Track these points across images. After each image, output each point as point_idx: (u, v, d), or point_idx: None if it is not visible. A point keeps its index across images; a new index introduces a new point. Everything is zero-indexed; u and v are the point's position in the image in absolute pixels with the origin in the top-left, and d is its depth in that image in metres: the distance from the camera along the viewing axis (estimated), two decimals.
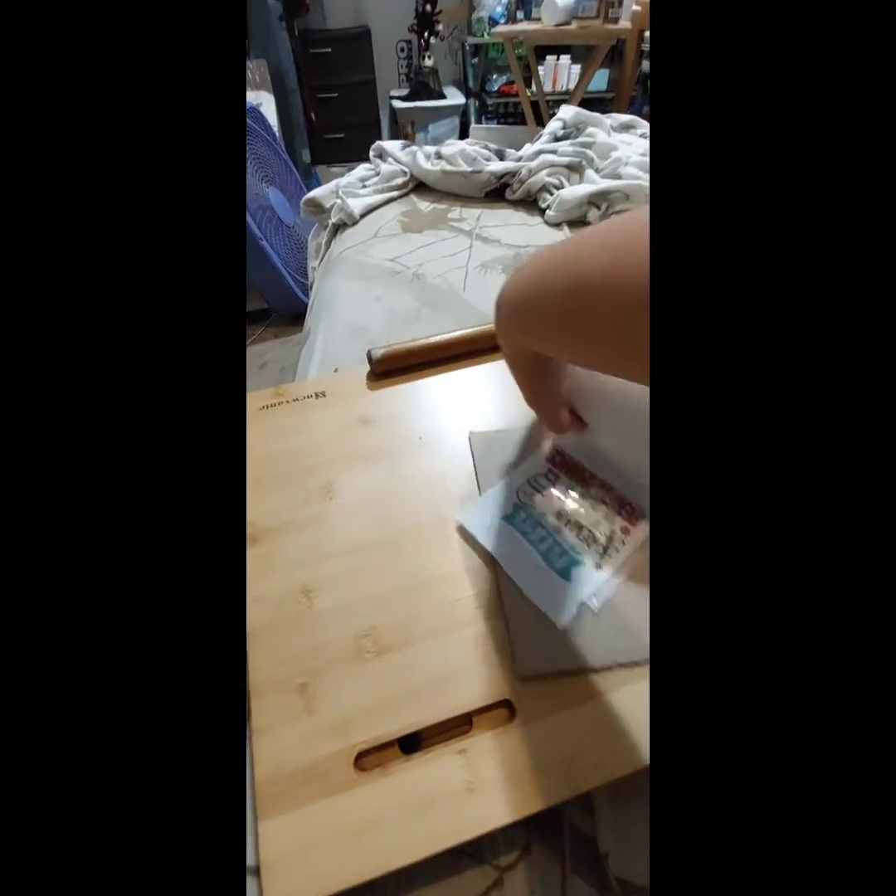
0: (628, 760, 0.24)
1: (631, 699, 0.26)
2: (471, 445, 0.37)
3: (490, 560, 0.31)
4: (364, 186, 0.76)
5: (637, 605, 0.29)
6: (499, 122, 2.62)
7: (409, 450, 0.37)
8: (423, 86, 2.51)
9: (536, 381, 0.31)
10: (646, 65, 2.40)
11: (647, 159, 0.67)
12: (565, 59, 2.43)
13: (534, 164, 0.68)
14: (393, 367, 0.42)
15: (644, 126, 0.82)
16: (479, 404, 0.40)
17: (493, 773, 0.24)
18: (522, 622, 0.28)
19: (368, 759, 0.25)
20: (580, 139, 0.72)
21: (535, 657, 0.27)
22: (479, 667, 0.27)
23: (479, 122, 2.63)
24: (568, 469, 0.34)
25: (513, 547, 0.31)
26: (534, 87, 2.16)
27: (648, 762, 0.24)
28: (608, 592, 0.29)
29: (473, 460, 0.36)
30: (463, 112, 2.60)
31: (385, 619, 0.29)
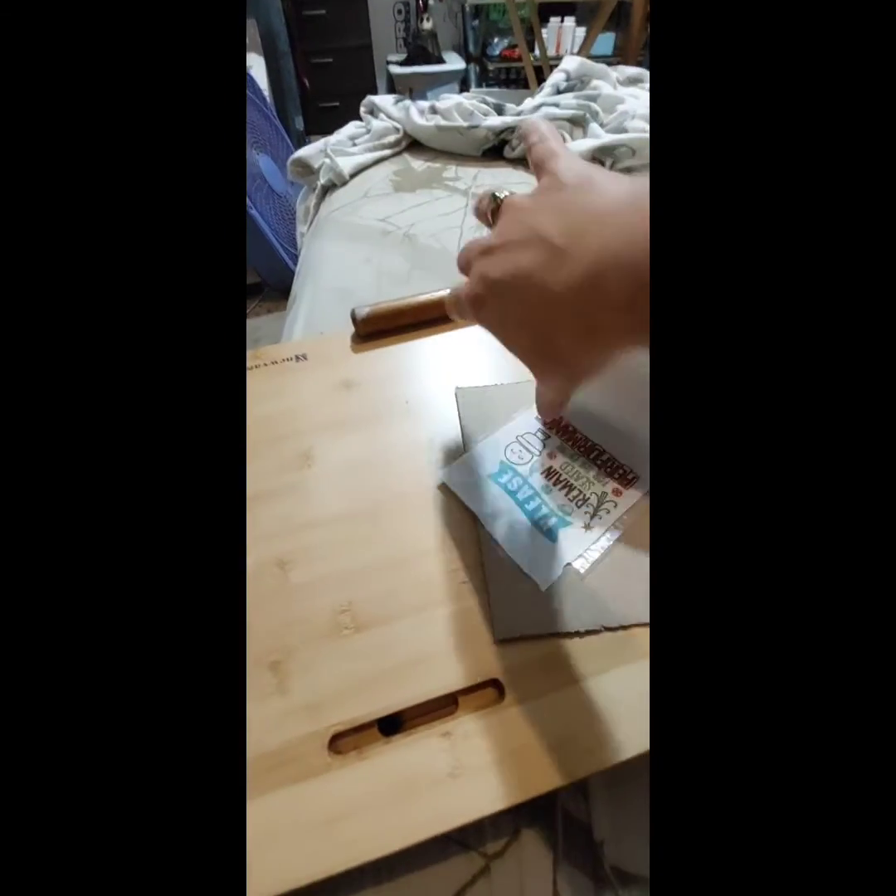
0: (627, 746, 0.22)
1: (630, 679, 0.24)
2: (456, 401, 0.35)
3: (476, 529, 0.29)
4: (354, 144, 0.72)
5: (626, 568, 0.27)
6: (501, 88, 2.52)
7: (395, 415, 0.35)
8: (421, 50, 2.42)
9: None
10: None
11: None
12: (570, 21, 2.33)
13: (534, 117, 0.64)
14: (379, 328, 0.39)
15: None
16: (471, 367, 0.37)
17: (480, 758, 0.22)
18: (502, 583, 0.27)
19: (344, 741, 0.23)
20: (584, 92, 0.68)
21: (515, 620, 0.25)
22: (465, 644, 0.25)
23: (479, 87, 2.54)
24: (560, 429, 0.33)
25: (497, 506, 0.29)
26: (537, 52, 2.07)
27: (647, 749, 0.22)
28: (596, 555, 0.28)
29: (459, 416, 0.34)
30: (463, 78, 2.50)
31: (365, 594, 0.27)
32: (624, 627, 0.25)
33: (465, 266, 0.24)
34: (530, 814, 0.23)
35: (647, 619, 0.25)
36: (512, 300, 0.21)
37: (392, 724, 0.23)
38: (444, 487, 0.31)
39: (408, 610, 0.26)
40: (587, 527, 0.29)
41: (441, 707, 0.24)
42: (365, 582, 0.27)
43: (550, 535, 0.28)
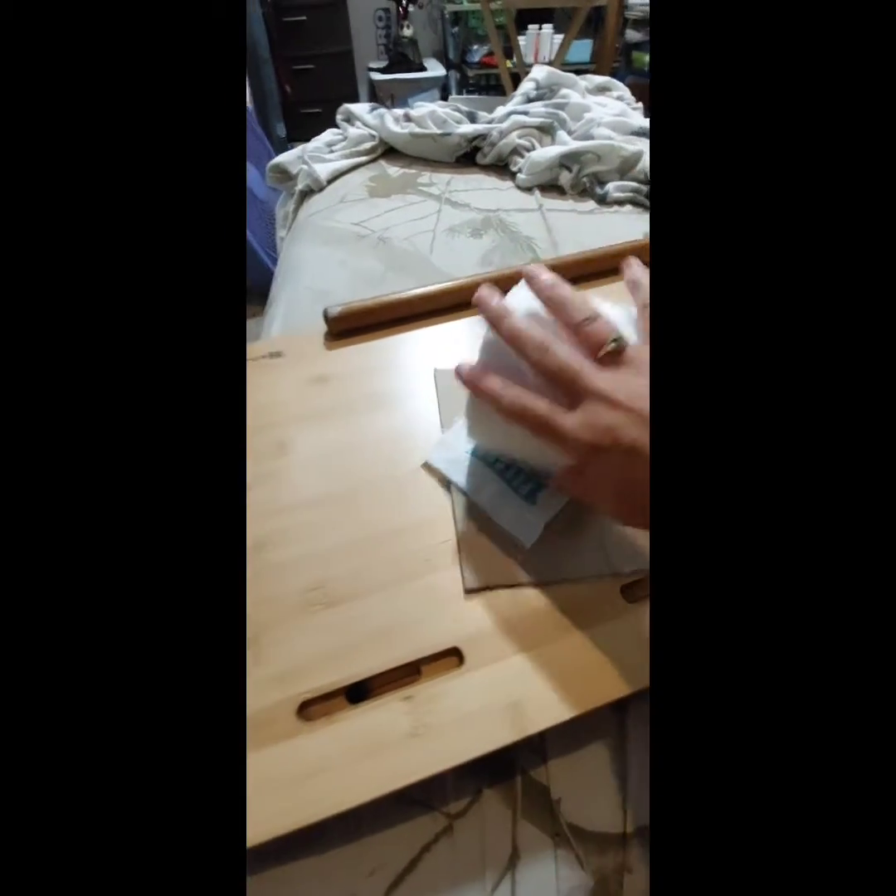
0: (575, 703, 0.24)
1: (578, 645, 0.26)
2: (435, 382, 0.37)
3: (447, 512, 0.31)
4: (331, 151, 0.74)
5: (597, 523, 0.30)
6: (480, 95, 2.56)
7: (367, 408, 0.36)
8: (401, 57, 2.44)
9: None
10: (629, 35, 2.36)
11: (621, 120, 0.65)
12: (547, 28, 2.37)
13: (504, 125, 0.67)
14: (351, 326, 0.41)
15: (620, 88, 0.80)
16: (442, 362, 0.39)
17: (439, 719, 0.24)
18: (473, 540, 0.29)
19: (314, 708, 0.24)
20: (553, 100, 0.70)
21: (482, 573, 0.28)
22: (430, 616, 0.27)
23: (459, 93, 2.57)
24: None
25: (478, 476, 0.32)
26: (515, 59, 2.10)
27: (595, 705, 0.24)
28: (572, 512, 0.30)
29: (437, 397, 0.36)
30: (443, 84, 2.53)
31: (337, 572, 0.28)
32: (584, 579, 0.28)
33: (560, 376, 0.23)
34: (491, 775, 0.25)
35: (606, 571, 0.28)
36: (642, 468, 0.21)
37: (360, 692, 0.25)
38: (423, 469, 0.33)
39: (377, 586, 0.28)
40: None
41: (406, 675, 0.25)
42: (336, 562, 0.29)
43: (530, 498, 0.31)
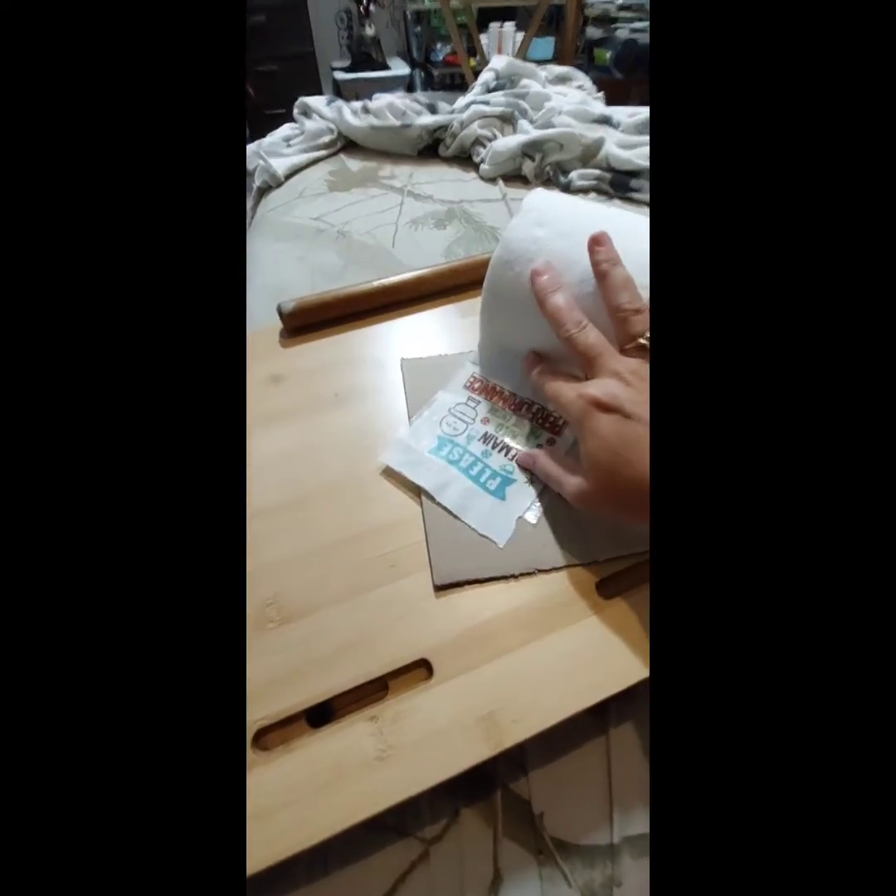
0: (551, 712, 0.22)
1: (551, 648, 0.24)
2: (402, 372, 0.36)
3: (414, 510, 0.29)
4: (289, 146, 0.71)
5: (567, 513, 0.28)
6: (445, 93, 2.55)
7: (325, 408, 0.34)
8: (365, 56, 2.42)
9: None
10: (590, 32, 2.38)
11: (582, 108, 0.64)
12: (509, 26, 2.37)
13: (465, 115, 0.65)
14: (308, 322, 0.39)
15: (581, 78, 0.79)
16: (400, 356, 0.37)
17: (407, 738, 0.22)
18: (441, 535, 0.28)
19: (270, 736, 0.22)
20: (514, 90, 0.69)
21: (453, 566, 0.26)
22: (396, 626, 0.25)
23: (424, 92, 2.56)
24: (487, 393, 0.34)
25: (442, 476, 0.30)
26: (479, 57, 2.09)
27: (575, 711, 0.22)
28: (544, 503, 0.29)
29: (405, 389, 0.35)
30: (409, 83, 2.52)
31: (292, 585, 0.26)
32: (556, 569, 0.26)
33: (586, 354, 0.26)
34: (468, 792, 0.23)
35: (581, 560, 0.27)
36: (633, 444, 0.23)
37: (322, 715, 0.23)
38: (387, 470, 0.31)
39: (336, 597, 0.26)
40: (530, 481, 0.30)
41: (372, 692, 0.23)
42: (292, 573, 0.27)
43: (498, 494, 0.29)
